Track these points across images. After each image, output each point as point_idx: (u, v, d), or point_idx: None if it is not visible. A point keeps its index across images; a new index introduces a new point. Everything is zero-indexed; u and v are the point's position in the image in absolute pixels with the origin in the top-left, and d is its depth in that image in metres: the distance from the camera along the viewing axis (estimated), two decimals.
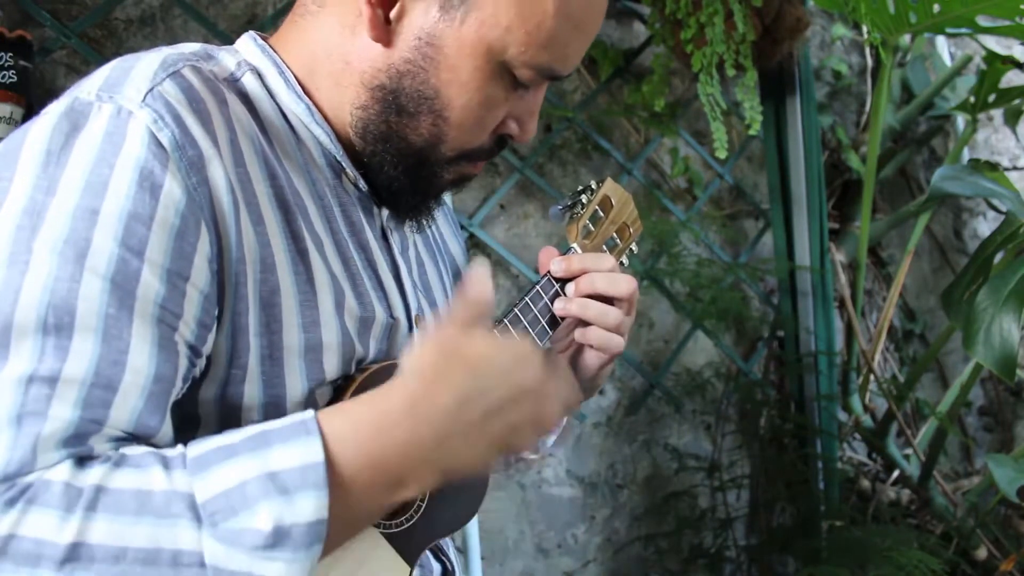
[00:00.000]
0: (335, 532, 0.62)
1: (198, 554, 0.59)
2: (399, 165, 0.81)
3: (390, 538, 0.79)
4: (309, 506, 0.60)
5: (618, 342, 0.92)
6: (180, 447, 0.63)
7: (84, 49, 1.60)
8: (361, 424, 0.64)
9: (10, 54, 1.45)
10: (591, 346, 0.92)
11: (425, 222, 0.89)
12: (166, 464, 0.61)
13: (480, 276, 0.70)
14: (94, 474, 0.59)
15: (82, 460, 0.61)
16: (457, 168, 0.84)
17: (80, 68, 1.63)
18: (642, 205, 2.28)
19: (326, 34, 0.80)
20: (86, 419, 0.61)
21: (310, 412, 0.64)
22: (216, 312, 0.69)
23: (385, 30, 0.77)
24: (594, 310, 0.91)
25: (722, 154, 1.98)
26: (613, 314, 0.91)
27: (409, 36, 0.77)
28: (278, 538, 0.59)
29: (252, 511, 0.59)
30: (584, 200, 0.98)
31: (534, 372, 0.70)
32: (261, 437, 0.62)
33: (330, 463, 0.61)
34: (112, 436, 0.63)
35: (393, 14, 0.76)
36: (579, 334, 0.92)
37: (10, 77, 1.44)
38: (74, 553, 0.57)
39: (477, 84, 0.77)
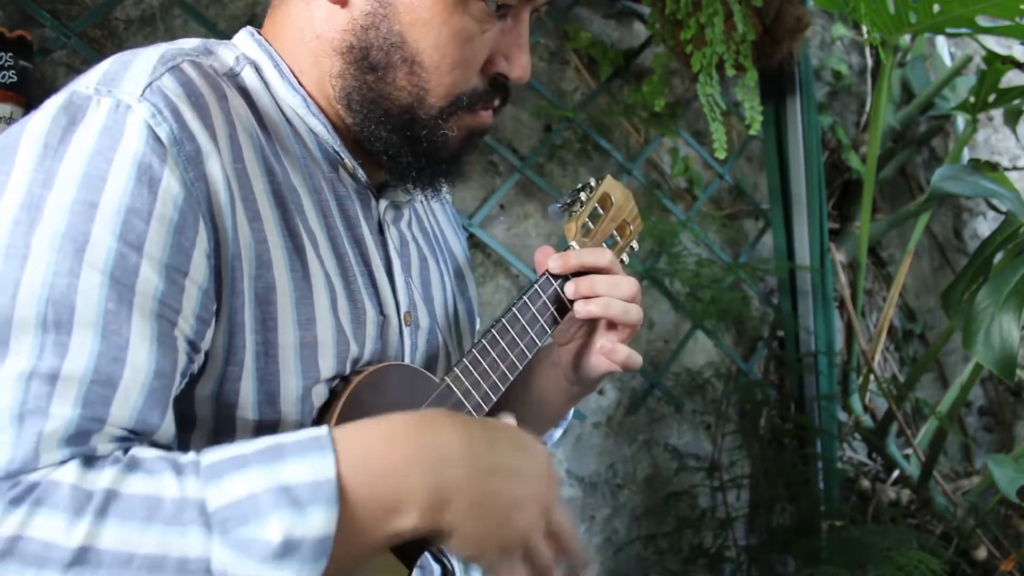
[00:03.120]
0: (338, 551, 0.61)
1: (205, 561, 0.58)
2: (390, 126, 0.80)
3: None
4: (319, 520, 0.60)
5: (638, 360, 0.93)
6: (192, 454, 0.63)
7: (84, 49, 1.60)
8: (372, 442, 0.64)
9: (10, 54, 1.45)
10: (615, 364, 0.93)
11: (434, 191, 0.87)
12: (178, 470, 0.61)
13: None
14: (105, 477, 0.59)
15: (89, 460, 0.60)
16: (458, 120, 0.82)
17: (80, 68, 1.63)
18: (642, 205, 2.28)
19: (295, 17, 0.81)
20: (87, 417, 0.61)
21: (324, 428, 0.64)
22: (214, 308, 0.69)
23: None
24: (617, 308, 0.91)
25: (721, 155, 1.98)
26: (636, 311, 0.91)
27: None
28: (288, 550, 0.59)
29: (263, 522, 0.59)
30: (583, 198, 0.98)
31: (549, 467, 0.72)
32: (275, 450, 0.62)
33: (340, 479, 0.61)
34: (114, 435, 0.63)
35: None
36: (606, 350, 0.92)
37: (10, 77, 1.44)
38: (82, 557, 0.57)
39: (441, 19, 0.76)
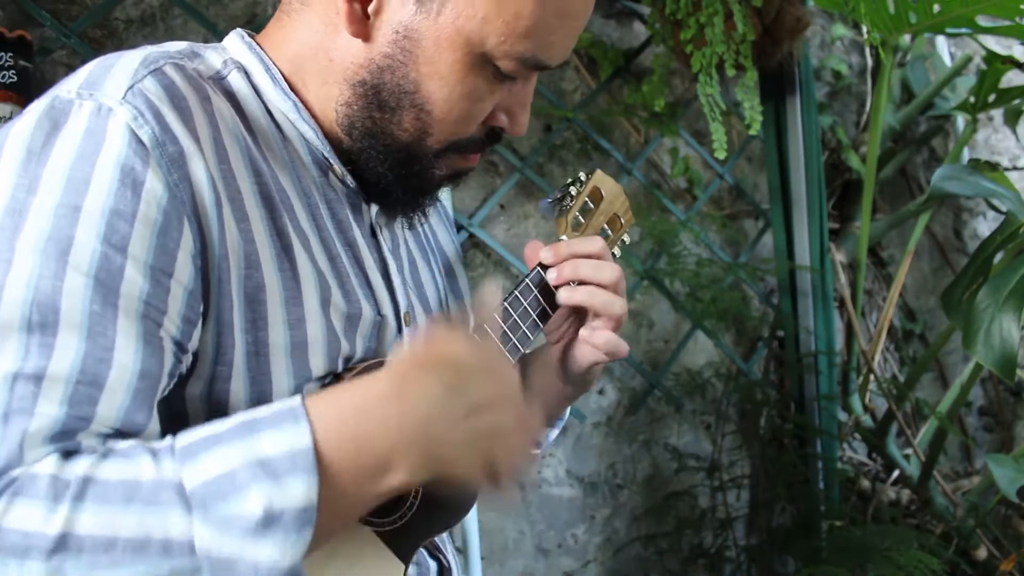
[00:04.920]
0: (325, 518, 0.62)
1: (188, 540, 0.59)
2: (387, 161, 0.81)
3: (383, 536, 0.79)
4: (299, 490, 0.60)
5: (623, 347, 0.92)
6: (168, 438, 0.63)
7: (84, 49, 1.60)
8: (347, 408, 0.65)
9: (10, 54, 1.45)
10: (598, 349, 0.91)
11: (418, 219, 0.88)
12: (154, 454, 0.61)
13: (491, 290, 0.74)
14: (80, 465, 0.60)
15: (68, 453, 0.61)
16: (448, 162, 0.83)
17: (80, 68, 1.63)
18: (642, 205, 2.28)
19: (310, 32, 0.80)
20: (73, 416, 0.61)
21: (297, 398, 0.64)
22: (201, 308, 0.70)
23: (364, 25, 0.77)
24: (600, 297, 0.90)
25: (721, 155, 1.98)
26: (619, 303, 0.90)
27: (387, 30, 0.76)
28: (269, 522, 0.59)
29: (242, 496, 0.59)
30: (573, 192, 0.98)
31: (516, 381, 0.72)
32: (249, 424, 0.63)
33: (317, 448, 0.61)
34: (99, 433, 0.63)
35: (371, 9, 0.76)
36: (585, 334, 0.91)
37: (10, 77, 1.44)
38: (63, 543, 0.57)
39: (457, 77, 0.77)
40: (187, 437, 0.63)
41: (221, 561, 0.59)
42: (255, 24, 1.82)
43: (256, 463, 0.60)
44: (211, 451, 0.61)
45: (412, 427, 0.65)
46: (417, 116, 0.78)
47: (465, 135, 0.81)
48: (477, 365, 0.69)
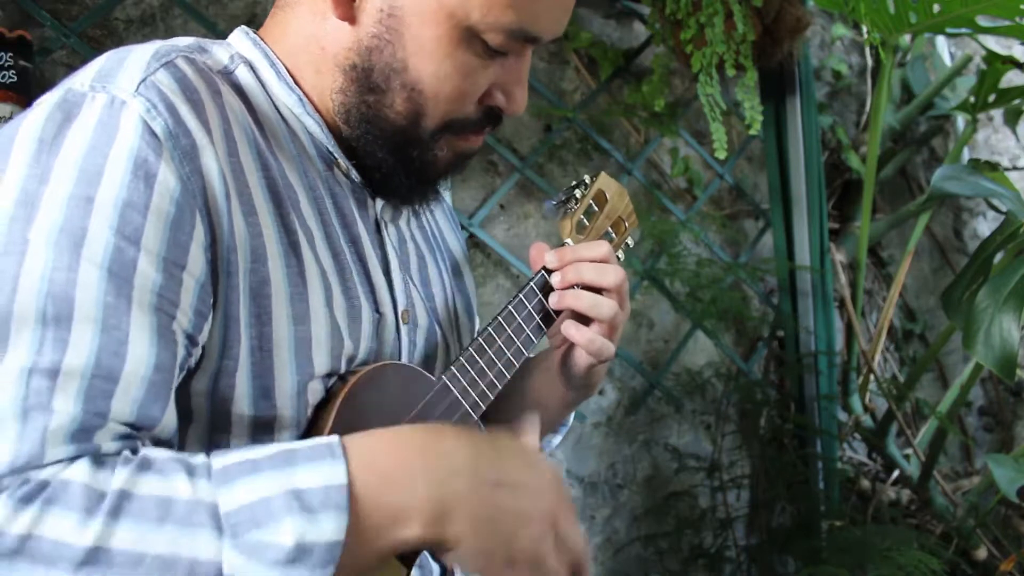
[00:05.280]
0: (344, 559, 0.61)
1: (216, 563, 0.58)
2: (385, 146, 0.81)
3: None
4: (330, 526, 0.60)
5: (609, 349, 0.90)
6: (203, 456, 0.63)
7: (84, 49, 1.60)
8: (378, 452, 0.65)
9: (10, 54, 1.45)
10: (582, 348, 0.90)
11: (422, 207, 0.88)
12: (191, 472, 0.61)
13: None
14: (118, 478, 0.59)
15: (99, 459, 0.60)
16: (448, 142, 0.82)
17: (80, 68, 1.63)
18: (642, 205, 2.28)
19: (302, 23, 0.80)
20: (90, 412, 0.61)
21: (335, 436, 0.64)
22: (211, 301, 0.69)
23: (349, 7, 0.77)
24: (587, 300, 0.89)
25: (721, 154, 1.98)
26: (607, 305, 0.89)
27: (372, 10, 0.76)
28: (299, 555, 0.59)
29: (276, 526, 0.59)
30: (578, 195, 0.98)
31: (556, 482, 0.72)
32: (287, 455, 0.62)
33: (351, 487, 0.62)
34: (117, 431, 0.63)
35: None
36: (569, 330, 0.90)
37: (10, 77, 1.44)
38: (93, 557, 0.57)
39: (444, 52, 0.76)
40: (224, 459, 0.62)
41: None
42: (255, 24, 1.82)
43: (291, 494, 0.60)
44: (248, 477, 0.61)
45: (433, 479, 0.65)
46: (409, 96, 0.78)
47: (461, 114, 0.80)
48: (517, 449, 0.71)
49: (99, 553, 0.57)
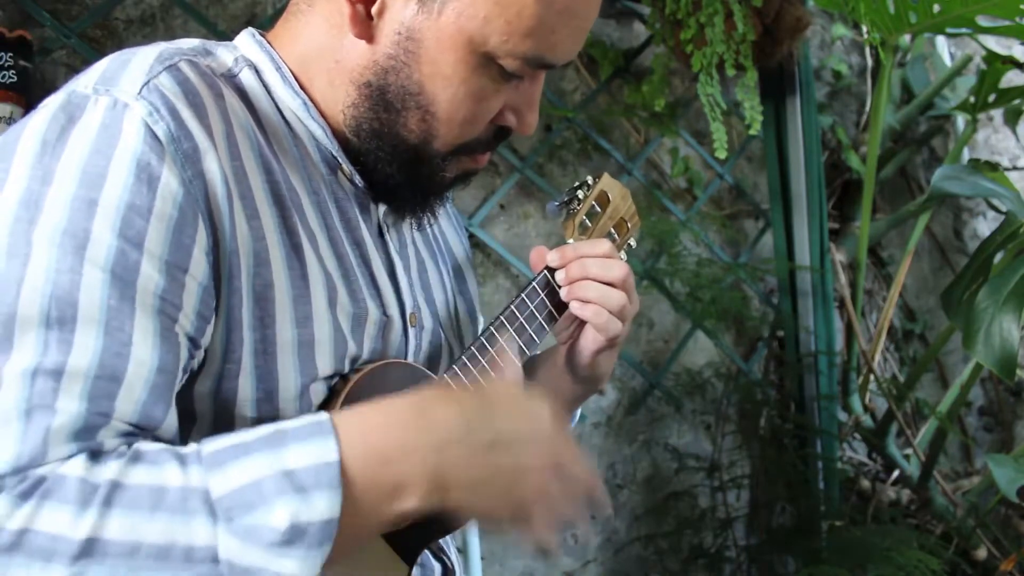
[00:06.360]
0: (340, 536, 0.62)
1: (212, 549, 0.59)
2: (394, 162, 0.81)
3: (388, 537, 0.79)
4: (323, 505, 0.60)
5: (616, 323, 0.91)
6: (193, 444, 0.63)
7: (84, 49, 1.60)
8: (369, 427, 0.65)
9: (10, 54, 1.45)
10: (588, 321, 0.91)
11: (426, 220, 0.88)
12: (181, 460, 0.61)
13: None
14: (110, 469, 0.60)
15: (95, 455, 0.61)
16: (457, 163, 0.83)
17: (80, 68, 1.62)
18: (642, 205, 2.28)
19: (316, 33, 0.80)
20: (93, 412, 0.61)
21: (324, 414, 0.64)
22: (214, 304, 0.70)
23: (367, 26, 0.77)
24: (596, 291, 0.90)
25: (722, 154, 1.98)
26: (616, 295, 0.90)
27: (390, 32, 0.76)
28: (294, 535, 0.59)
29: (269, 508, 0.59)
30: (581, 196, 0.98)
31: (552, 425, 0.72)
32: (277, 436, 0.63)
33: (343, 464, 0.62)
34: (120, 430, 0.63)
35: (374, 10, 0.76)
36: (575, 307, 0.91)
37: (10, 77, 1.44)
38: (88, 548, 0.57)
39: (461, 77, 0.76)
40: (214, 444, 0.63)
41: (243, 571, 0.59)
42: (255, 24, 1.82)
43: (283, 475, 0.60)
44: (238, 460, 0.61)
45: (428, 452, 0.65)
46: (423, 117, 0.78)
47: (472, 136, 0.81)
48: (508, 401, 0.70)
49: (94, 544, 0.57)
